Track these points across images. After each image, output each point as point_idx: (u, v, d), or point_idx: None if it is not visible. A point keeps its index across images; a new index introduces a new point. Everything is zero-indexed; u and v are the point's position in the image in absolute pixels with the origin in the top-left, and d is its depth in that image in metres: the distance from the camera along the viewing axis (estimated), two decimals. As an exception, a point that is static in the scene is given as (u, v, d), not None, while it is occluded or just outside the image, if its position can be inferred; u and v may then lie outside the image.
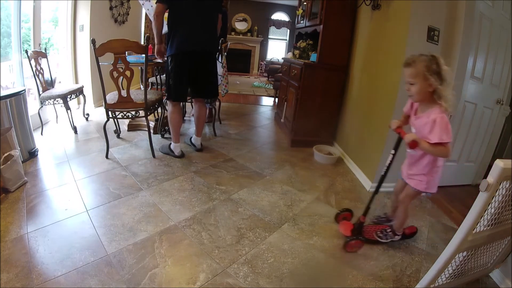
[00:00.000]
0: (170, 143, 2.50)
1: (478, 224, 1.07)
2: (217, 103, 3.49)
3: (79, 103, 3.66)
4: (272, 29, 9.38)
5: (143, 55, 2.27)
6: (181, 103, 3.71)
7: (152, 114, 2.68)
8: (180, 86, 2.29)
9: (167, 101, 2.44)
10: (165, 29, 2.60)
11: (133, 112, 2.34)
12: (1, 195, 1.73)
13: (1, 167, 1.71)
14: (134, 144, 2.72)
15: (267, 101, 5.41)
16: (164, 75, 2.42)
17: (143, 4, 3.31)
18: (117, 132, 2.87)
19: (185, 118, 3.67)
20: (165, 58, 2.32)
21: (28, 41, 2.95)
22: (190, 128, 3.31)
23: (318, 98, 2.86)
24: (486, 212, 1.04)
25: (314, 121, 2.93)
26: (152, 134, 2.57)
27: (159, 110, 2.72)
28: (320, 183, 2.30)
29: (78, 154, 2.44)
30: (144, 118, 2.40)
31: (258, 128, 3.66)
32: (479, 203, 1.00)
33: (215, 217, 1.72)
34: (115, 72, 2.17)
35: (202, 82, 2.38)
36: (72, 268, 1.27)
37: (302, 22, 3.43)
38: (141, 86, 3.48)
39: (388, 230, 1.60)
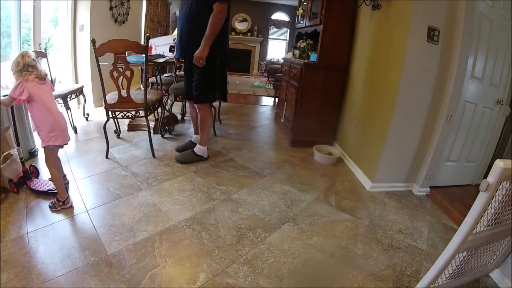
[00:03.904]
0: (192, 151, 2.42)
1: (478, 224, 1.07)
2: (217, 103, 3.49)
3: (79, 103, 3.66)
4: (272, 29, 9.38)
5: (143, 55, 2.27)
6: (183, 103, 3.74)
7: (152, 114, 2.68)
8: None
9: (204, 104, 2.31)
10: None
11: (133, 112, 2.34)
12: (1, 195, 1.73)
13: (1, 166, 1.71)
14: (134, 144, 2.72)
15: (267, 101, 5.41)
16: (203, 77, 2.21)
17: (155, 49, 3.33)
18: (117, 132, 2.87)
19: (185, 118, 3.67)
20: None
21: (28, 41, 2.94)
22: (189, 128, 3.31)
23: (318, 98, 2.86)
24: (486, 212, 1.04)
25: (314, 121, 2.93)
26: (152, 134, 2.57)
27: (159, 110, 2.72)
28: (320, 183, 2.30)
29: (78, 154, 2.44)
30: (144, 118, 2.40)
31: (258, 128, 3.66)
32: (479, 203, 1.00)
33: (215, 217, 1.72)
34: (115, 72, 2.17)
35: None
36: (72, 268, 1.27)
37: (302, 22, 3.44)
38: (141, 86, 3.48)
39: (58, 201, 1.70)
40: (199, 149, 2.43)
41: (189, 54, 2.16)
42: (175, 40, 2.41)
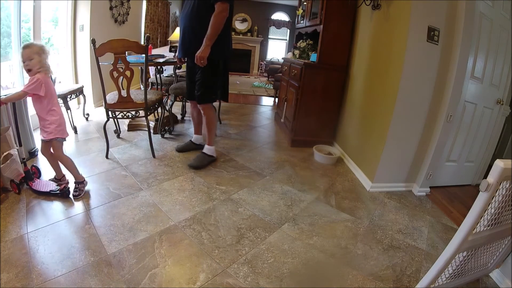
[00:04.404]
0: (203, 153, 2.40)
1: (478, 224, 1.07)
2: (218, 103, 3.49)
3: (79, 103, 3.66)
4: (272, 29, 9.38)
5: (143, 55, 2.27)
6: (183, 103, 3.74)
7: (152, 114, 2.67)
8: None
9: (206, 104, 2.30)
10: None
11: (133, 112, 2.34)
12: (1, 195, 1.73)
13: (1, 166, 1.72)
14: (134, 144, 2.72)
15: (267, 101, 5.41)
16: (206, 77, 2.20)
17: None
18: (117, 132, 2.87)
19: (185, 118, 3.67)
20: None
21: (28, 41, 2.94)
22: (190, 128, 3.31)
23: (318, 98, 2.86)
24: (486, 212, 1.04)
25: (314, 121, 2.93)
26: (152, 134, 2.57)
27: (159, 110, 2.72)
28: (320, 183, 2.30)
29: (78, 154, 2.44)
30: (144, 118, 2.40)
31: (258, 128, 3.66)
32: (479, 203, 1.00)
33: (215, 217, 1.73)
34: (115, 72, 2.17)
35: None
36: (72, 268, 1.27)
37: (302, 22, 3.44)
38: (141, 86, 3.48)
39: (79, 185, 1.85)
40: (208, 149, 2.42)
41: (191, 54, 2.14)
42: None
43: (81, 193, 1.83)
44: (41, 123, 1.72)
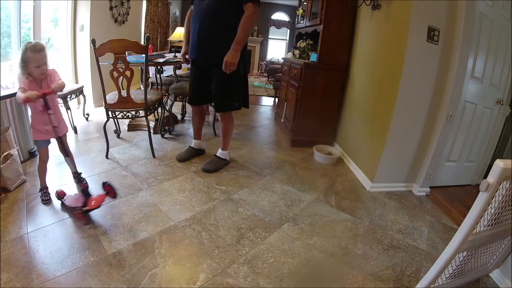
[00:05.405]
0: (217, 157, 2.37)
1: (478, 224, 1.07)
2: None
3: (79, 103, 3.66)
4: (272, 29, 9.38)
5: (143, 55, 2.27)
6: (183, 103, 3.73)
7: (152, 114, 2.67)
8: None
9: (227, 112, 2.25)
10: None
11: (133, 112, 2.34)
12: (1, 195, 1.73)
13: (1, 166, 1.72)
14: (134, 144, 2.72)
15: (267, 101, 5.41)
16: (227, 84, 2.11)
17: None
18: (117, 132, 2.87)
19: (184, 118, 3.67)
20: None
21: (28, 41, 2.94)
22: (190, 128, 3.31)
23: (318, 98, 2.86)
24: (486, 212, 1.04)
25: (314, 121, 2.93)
26: (152, 134, 2.57)
27: (159, 110, 2.72)
28: (320, 183, 2.30)
29: (78, 154, 2.43)
30: (144, 118, 2.40)
31: (258, 128, 3.66)
32: (479, 203, 1.00)
33: (215, 217, 1.73)
34: (115, 72, 2.17)
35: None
36: (72, 268, 1.27)
37: (302, 22, 3.44)
38: (141, 86, 3.48)
39: (79, 175, 1.87)
40: (222, 153, 2.39)
41: (206, 56, 2.05)
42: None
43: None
44: (57, 117, 1.64)
